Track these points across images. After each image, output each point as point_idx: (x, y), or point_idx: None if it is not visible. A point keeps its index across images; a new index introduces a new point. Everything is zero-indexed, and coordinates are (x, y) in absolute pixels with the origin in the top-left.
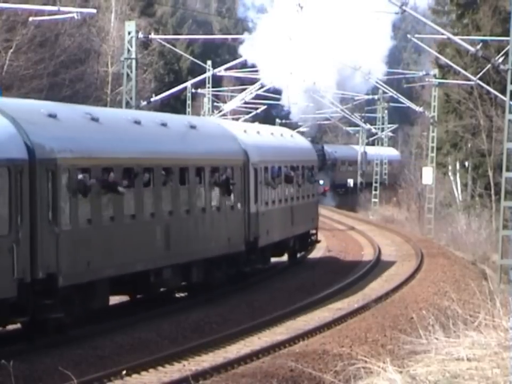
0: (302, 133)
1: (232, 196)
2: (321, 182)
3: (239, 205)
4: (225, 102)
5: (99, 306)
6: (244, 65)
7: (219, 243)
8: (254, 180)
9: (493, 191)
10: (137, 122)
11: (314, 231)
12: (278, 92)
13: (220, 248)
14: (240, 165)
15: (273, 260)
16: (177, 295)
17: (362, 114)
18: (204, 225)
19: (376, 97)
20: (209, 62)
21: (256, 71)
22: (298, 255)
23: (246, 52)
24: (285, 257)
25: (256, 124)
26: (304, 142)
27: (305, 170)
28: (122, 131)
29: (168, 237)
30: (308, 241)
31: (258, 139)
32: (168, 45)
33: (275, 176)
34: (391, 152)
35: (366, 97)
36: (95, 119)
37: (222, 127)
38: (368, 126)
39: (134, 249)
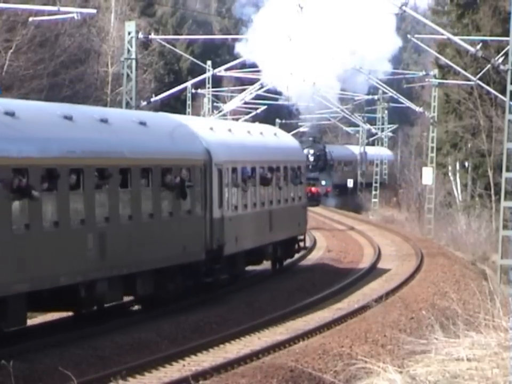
0: (303, 133)
1: (188, 199)
2: (323, 182)
3: (198, 210)
4: (225, 102)
5: (14, 326)
6: (243, 65)
7: (171, 252)
8: (218, 181)
9: (493, 191)
10: (68, 118)
11: (302, 237)
12: (278, 92)
13: (173, 258)
14: (200, 166)
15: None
16: (132, 309)
17: (362, 115)
18: (151, 233)
19: (376, 97)
20: (209, 62)
21: (257, 71)
22: (286, 262)
23: (243, 50)
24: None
25: (240, 122)
26: (290, 141)
27: (289, 171)
28: (45, 128)
29: (103, 246)
30: (294, 248)
31: (226, 137)
32: (168, 45)
33: (246, 177)
34: (383, 152)
35: (366, 97)
36: (9, 114)
37: (180, 124)
38: (368, 126)
39: (56, 260)
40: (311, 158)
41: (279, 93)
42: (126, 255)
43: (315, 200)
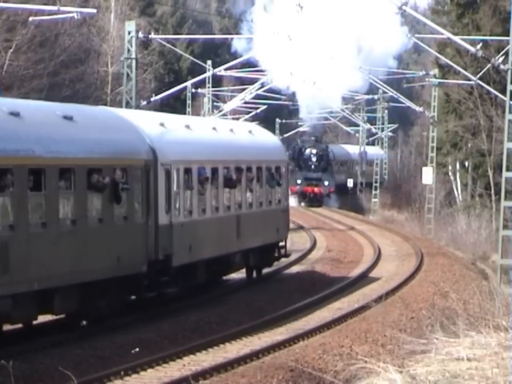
0: (303, 133)
1: (124, 204)
2: (326, 183)
3: (137, 216)
4: (225, 102)
5: None
6: (244, 65)
7: (101, 264)
8: (166, 184)
9: (493, 191)
10: None
11: (282, 243)
12: (278, 91)
13: (103, 270)
14: (140, 166)
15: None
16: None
17: (362, 114)
18: (73, 242)
19: (376, 97)
20: (209, 62)
21: (257, 70)
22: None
23: (240, 46)
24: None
25: (217, 118)
26: (268, 140)
27: (265, 172)
28: None
29: (6, 259)
30: (272, 255)
31: (180, 134)
32: (168, 45)
33: (204, 179)
34: (376, 151)
35: (366, 97)
36: None
37: (119, 119)
38: (368, 126)
39: None
40: (314, 158)
41: (280, 93)
42: (38, 268)
43: (318, 201)
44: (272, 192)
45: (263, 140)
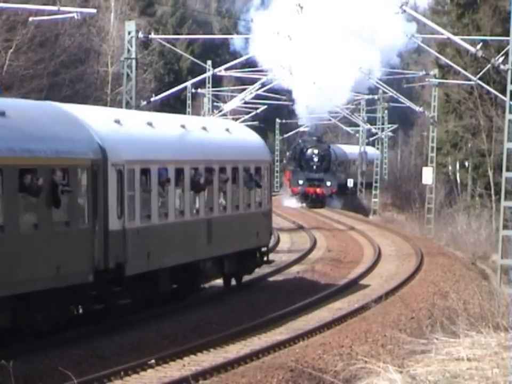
0: (303, 132)
1: (65, 208)
2: (328, 183)
3: (81, 221)
4: (225, 102)
5: None
6: (244, 65)
7: (38, 274)
8: (118, 186)
9: (493, 191)
10: None
11: (264, 249)
12: (279, 91)
13: (39, 281)
14: (86, 166)
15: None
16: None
17: (362, 114)
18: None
19: (376, 97)
20: (209, 62)
21: (257, 70)
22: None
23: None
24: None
25: (189, 116)
26: (248, 138)
27: (242, 173)
28: None
29: None
30: (253, 262)
31: (139, 132)
32: (168, 45)
33: (165, 180)
34: (371, 151)
35: (366, 97)
36: None
37: (66, 116)
38: (368, 126)
39: None
40: (316, 159)
41: (280, 93)
42: None
43: (320, 201)
44: (251, 194)
45: (242, 139)
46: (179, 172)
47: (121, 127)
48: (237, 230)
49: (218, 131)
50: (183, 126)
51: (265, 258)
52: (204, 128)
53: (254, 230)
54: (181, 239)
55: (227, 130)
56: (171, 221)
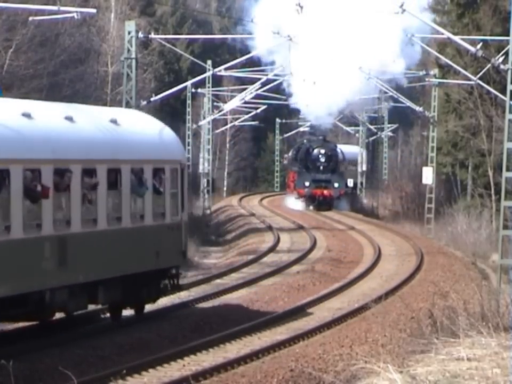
0: (303, 132)
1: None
2: (336, 185)
3: None
4: (225, 102)
5: None
6: (244, 65)
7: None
8: None
9: (493, 191)
10: None
11: (174, 271)
12: (277, 91)
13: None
14: None
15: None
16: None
17: (362, 115)
18: None
19: (376, 97)
20: (209, 62)
21: (257, 70)
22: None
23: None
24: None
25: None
26: (146, 132)
27: (130, 175)
28: None
29: None
30: (155, 288)
31: None
32: (168, 45)
33: None
34: (351, 150)
35: (366, 97)
36: None
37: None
38: (368, 125)
39: None
40: (322, 159)
41: (281, 93)
42: None
43: (327, 204)
44: (146, 203)
45: (133, 132)
46: (3, 175)
47: None
48: (117, 249)
49: (95, 122)
50: (27, 115)
51: (175, 282)
52: (69, 119)
53: (151, 249)
54: (7, 264)
55: (113, 121)
56: None
